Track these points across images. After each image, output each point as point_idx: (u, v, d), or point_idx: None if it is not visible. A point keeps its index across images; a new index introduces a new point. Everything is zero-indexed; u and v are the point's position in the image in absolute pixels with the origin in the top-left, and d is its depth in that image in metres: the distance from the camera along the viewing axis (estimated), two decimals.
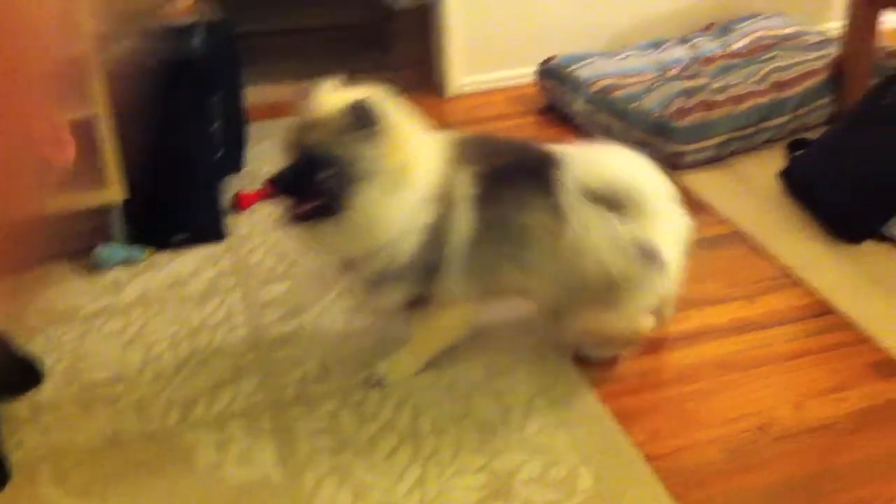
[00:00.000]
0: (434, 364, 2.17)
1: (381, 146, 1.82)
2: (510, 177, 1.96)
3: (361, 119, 1.80)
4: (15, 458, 1.94)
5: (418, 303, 2.03)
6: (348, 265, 2.02)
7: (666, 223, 1.98)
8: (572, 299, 1.98)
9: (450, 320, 2.10)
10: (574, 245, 1.91)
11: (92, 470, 1.92)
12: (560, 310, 2.03)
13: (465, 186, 1.91)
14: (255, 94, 3.50)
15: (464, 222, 1.92)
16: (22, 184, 0.63)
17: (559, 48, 3.68)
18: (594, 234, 1.91)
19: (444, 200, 1.90)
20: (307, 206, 1.87)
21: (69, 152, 1.59)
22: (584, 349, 2.17)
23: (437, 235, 1.91)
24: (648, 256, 1.93)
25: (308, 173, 1.84)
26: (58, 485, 1.89)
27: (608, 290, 1.94)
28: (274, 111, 3.55)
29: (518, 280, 2.00)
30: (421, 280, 1.96)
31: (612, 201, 1.92)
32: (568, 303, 2.00)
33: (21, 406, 2.09)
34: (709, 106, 3.03)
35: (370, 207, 1.84)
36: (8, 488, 1.88)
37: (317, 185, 1.83)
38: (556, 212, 1.91)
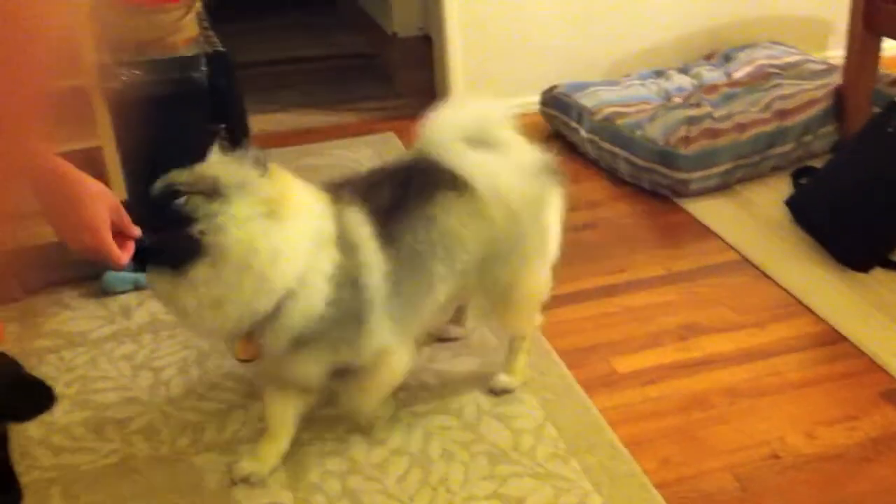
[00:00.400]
0: (442, 390, 2.17)
1: (255, 169, 1.61)
2: (398, 199, 1.82)
3: (232, 145, 1.66)
4: (27, 479, 1.94)
5: (341, 374, 1.82)
6: (247, 333, 1.68)
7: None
8: (508, 265, 1.95)
9: (388, 374, 1.89)
10: (493, 198, 1.87)
11: (102, 492, 1.92)
12: (497, 286, 1.98)
13: (362, 226, 1.75)
14: (258, 124, 3.52)
15: (375, 261, 1.75)
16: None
17: (560, 77, 3.71)
18: (503, 179, 1.88)
19: (346, 244, 1.71)
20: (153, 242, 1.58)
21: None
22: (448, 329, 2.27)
23: (351, 281, 1.71)
24: (548, 167, 1.97)
25: (157, 208, 1.59)
26: None
27: (536, 221, 1.96)
28: (277, 140, 3.58)
29: (452, 289, 1.91)
30: (346, 337, 1.75)
31: (486, 142, 1.89)
32: (505, 273, 1.96)
33: (33, 428, 2.10)
34: (713, 134, 3.05)
35: (243, 228, 1.57)
36: None
37: (169, 216, 1.57)
38: (460, 189, 1.85)
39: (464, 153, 1.86)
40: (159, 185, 1.62)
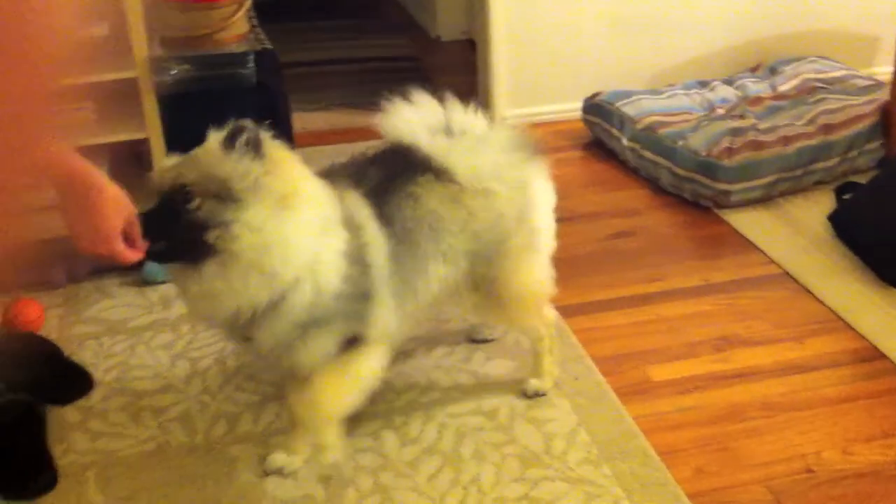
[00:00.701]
0: (476, 391, 2.18)
1: (261, 163, 1.60)
2: (385, 180, 1.84)
3: (236, 136, 1.59)
4: (63, 462, 1.97)
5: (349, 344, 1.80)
6: (256, 321, 1.67)
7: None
8: (498, 254, 1.95)
9: (370, 366, 1.85)
10: (476, 180, 1.88)
11: (136, 478, 1.94)
12: (486, 282, 1.96)
13: (363, 208, 1.78)
14: (300, 122, 3.55)
15: (378, 240, 1.77)
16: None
17: (603, 84, 3.70)
18: (482, 157, 1.90)
19: (351, 225, 1.73)
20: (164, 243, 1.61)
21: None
22: (483, 330, 2.31)
23: (359, 261, 1.73)
24: (526, 144, 1.98)
25: (171, 211, 1.59)
26: (103, 491, 1.91)
27: (524, 208, 1.96)
28: (318, 138, 3.60)
29: (443, 274, 1.90)
30: (358, 311, 1.75)
31: (453, 131, 1.91)
32: (492, 269, 1.95)
33: (71, 412, 2.13)
34: (757, 146, 3.03)
35: (256, 229, 1.57)
36: (55, 491, 1.90)
37: (184, 222, 1.57)
38: (437, 174, 1.86)
39: (430, 140, 1.89)
40: (168, 179, 1.62)
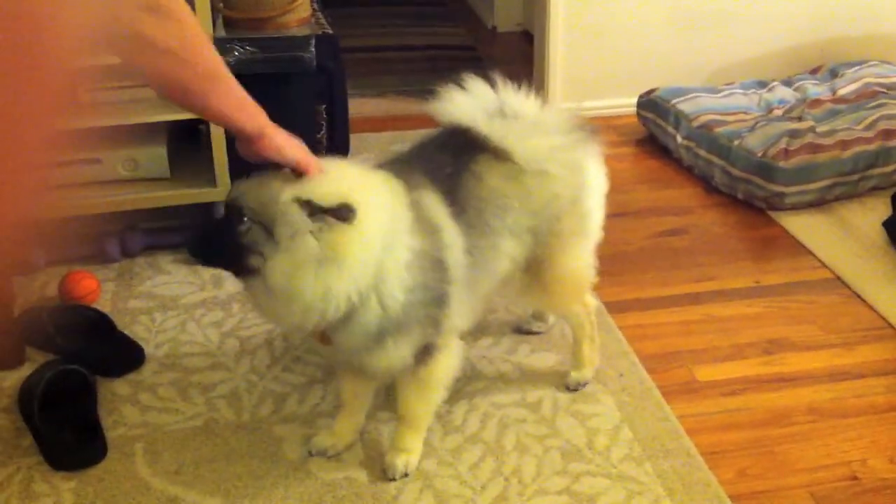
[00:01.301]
0: (520, 382, 2.18)
1: (312, 223, 1.58)
2: (449, 164, 1.85)
3: (321, 211, 1.58)
4: (112, 434, 2.01)
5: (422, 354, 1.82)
6: (327, 331, 1.71)
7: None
8: (550, 234, 1.95)
9: (447, 367, 1.89)
10: (534, 161, 1.89)
11: (183, 453, 1.97)
12: (537, 256, 1.97)
13: (439, 207, 1.78)
14: (356, 107, 3.57)
15: (455, 239, 1.78)
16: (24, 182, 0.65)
17: (659, 81, 3.67)
18: (538, 139, 1.92)
19: (427, 227, 1.73)
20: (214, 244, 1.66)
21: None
22: (530, 322, 2.32)
23: (435, 263, 1.74)
24: (581, 127, 1.99)
25: (225, 227, 1.62)
26: (150, 464, 1.94)
27: (578, 191, 1.98)
28: (373, 124, 3.62)
29: (512, 251, 1.91)
30: (431, 316, 1.76)
31: (507, 114, 1.92)
32: (546, 242, 1.96)
33: (121, 385, 2.17)
34: (814, 149, 2.99)
35: (285, 278, 1.59)
36: (103, 462, 1.94)
37: (231, 241, 1.60)
38: (497, 155, 1.87)
39: (488, 122, 1.90)
40: (234, 195, 1.65)
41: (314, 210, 1.57)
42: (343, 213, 1.57)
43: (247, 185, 1.65)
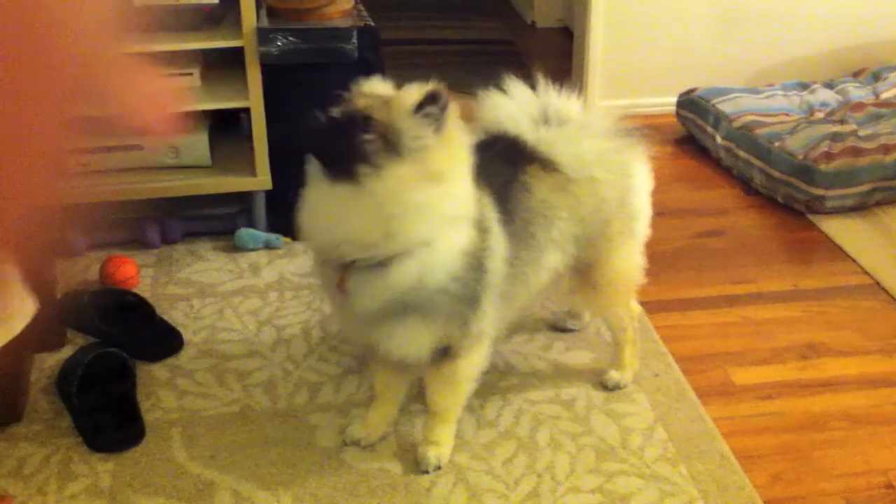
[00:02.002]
0: (555, 380, 2.18)
1: (435, 136, 1.64)
2: (500, 173, 1.84)
3: (430, 102, 1.63)
4: (150, 417, 2.03)
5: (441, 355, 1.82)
6: (357, 272, 1.69)
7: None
8: (599, 238, 1.96)
9: (474, 365, 1.89)
10: (581, 169, 1.89)
11: (219, 439, 1.99)
12: (587, 260, 1.98)
13: (491, 211, 1.78)
14: None
15: (500, 245, 1.79)
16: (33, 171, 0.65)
17: (700, 80, 3.64)
18: (585, 145, 1.91)
19: (481, 228, 1.74)
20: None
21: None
22: (566, 319, 2.33)
23: (478, 266, 1.74)
24: (626, 129, 1.98)
25: (346, 131, 1.64)
26: (186, 448, 1.96)
27: (625, 193, 1.98)
28: None
29: (554, 263, 1.92)
30: (461, 314, 1.76)
31: (552, 120, 1.92)
32: (595, 245, 1.96)
33: (159, 370, 2.19)
34: (856, 152, 2.96)
35: (398, 185, 1.61)
36: (141, 445, 1.97)
37: (350, 144, 1.63)
38: (544, 164, 1.88)
39: (534, 130, 1.90)
40: (363, 101, 1.66)
41: (439, 122, 1.62)
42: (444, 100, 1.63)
43: (371, 99, 1.67)
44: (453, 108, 1.68)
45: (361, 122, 1.62)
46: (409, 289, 1.68)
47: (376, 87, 1.73)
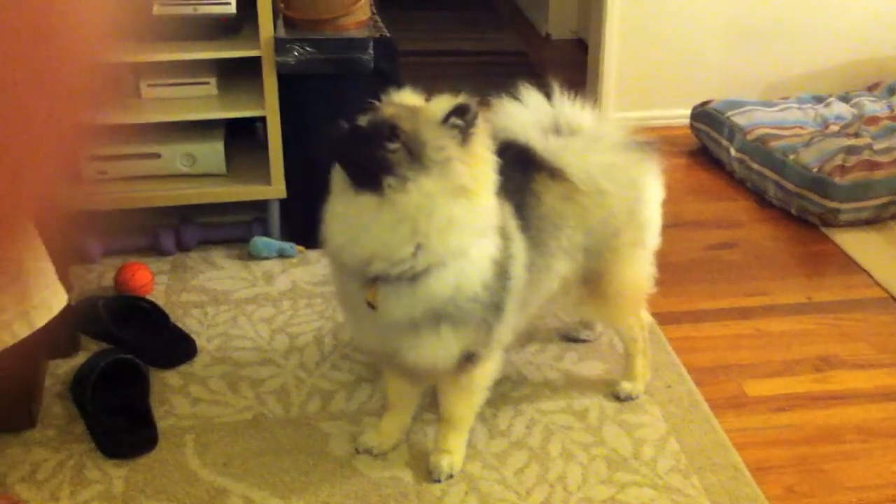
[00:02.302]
0: (567, 390, 2.18)
1: (460, 149, 1.64)
2: (513, 181, 1.83)
3: (458, 114, 1.63)
4: (163, 424, 2.04)
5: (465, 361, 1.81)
6: (389, 285, 1.68)
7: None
8: (607, 249, 1.96)
9: (489, 373, 1.90)
10: (589, 180, 1.89)
11: (232, 446, 2.00)
12: (595, 270, 1.97)
13: (511, 218, 1.80)
14: None
15: (521, 253, 1.80)
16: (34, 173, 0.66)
17: (714, 93, 3.65)
18: (594, 157, 1.91)
19: (504, 235, 1.76)
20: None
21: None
22: (578, 330, 2.33)
23: (503, 273, 1.75)
24: (637, 141, 1.99)
25: (370, 139, 1.62)
26: (199, 455, 1.97)
27: (634, 205, 1.98)
28: None
29: (564, 271, 1.93)
30: (488, 321, 1.76)
31: (563, 129, 1.93)
32: (603, 256, 1.96)
33: (173, 376, 2.20)
34: (871, 166, 2.96)
35: (423, 200, 1.61)
36: (154, 452, 1.97)
37: (374, 153, 1.62)
38: (552, 173, 1.88)
39: (543, 140, 1.90)
40: (390, 111, 1.66)
41: (465, 135, 1.63)
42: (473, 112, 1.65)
43: (398, 108, 1.68)
44: (482, 122, 1.69)
45: (386, 130, 1.62)
46: (446, 299, 1.68)
47: (406, 97, 1.74)
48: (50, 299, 0.93)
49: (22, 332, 0.87)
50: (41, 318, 0.90)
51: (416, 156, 1.61)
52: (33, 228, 0.89)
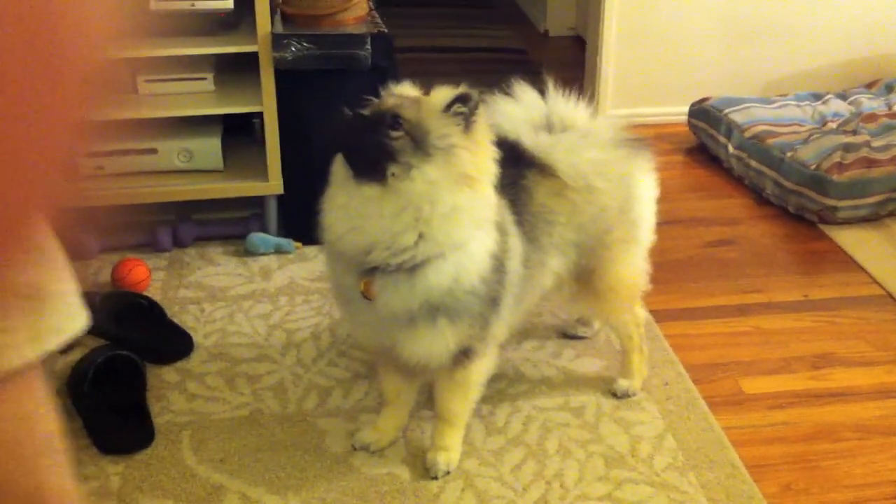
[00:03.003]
0: (564, 387, 2.18)
1: (463, 136, 1.65)
2: (512, 178, 1.84)
3: (460, 102, 1.64)
4: (160, 420, 2.04)
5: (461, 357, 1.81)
6: (387, 276, 1.67)
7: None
8: (599, 246, 1.96)
9: (484, 369, 1.90)
10: (579, 177, 1.89)
11: (229, 442, 2.00)
12: (588, 266, 1.97)
13: (508, 213, 1.80)
14: None
15: (517, 247, 1.81)
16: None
17: (712, 90, 3.64)
18: (584, 154, 1.91)
19: (501, 230, 1.76)
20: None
21: None
22: (575, 327, 2.32)
23: (500, 267, 1.75)
24: (629, 138, 1.98)
25: (374, 128, 1.63)
26: (196, 451, 1.97)
27: (626, 202, 1.97)
28: None
29: (557, 268, 1.93)
30: (485, 315, 1.76)
31: (555, 126, 1.93)
32: (595, 253, 1.96)
33: (170, 372, 2.20)
34: (869, 163, 2.95)
35: (427, 187, 1.62)
36: (151, 448, 1.97)
37: (378, 143, 1.62)
38: (542, 170, 1.88)
39: (533, 137, 1.90)
40: (392, 101, 1.67)
41: (467, 122, 1.64)
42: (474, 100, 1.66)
43: (400, 98, 1.68)
44: (483, 111, 1.69)
45: (389, 119, 1.63)
46: (444, 292, 1.68)
47: (407, 90, 1.75)
48: (65, 323, 0.92)
49: (31, 354, 0.87)
50: (53, 342, 0.89)
51: (419, 143, 1.62)
52: (58, 250, 0.88)
